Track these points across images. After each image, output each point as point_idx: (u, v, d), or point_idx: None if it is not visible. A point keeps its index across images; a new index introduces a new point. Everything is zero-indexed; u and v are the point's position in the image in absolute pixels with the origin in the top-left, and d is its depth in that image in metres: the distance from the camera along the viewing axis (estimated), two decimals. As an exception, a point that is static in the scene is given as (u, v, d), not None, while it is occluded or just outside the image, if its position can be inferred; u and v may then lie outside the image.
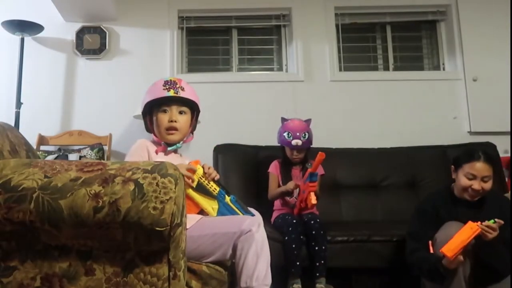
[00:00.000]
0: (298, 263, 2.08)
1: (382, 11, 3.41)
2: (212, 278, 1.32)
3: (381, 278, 2.33)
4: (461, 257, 1.64)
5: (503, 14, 3.19)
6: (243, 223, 1.38)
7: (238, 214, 1.55)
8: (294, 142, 2.40)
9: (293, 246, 2.09)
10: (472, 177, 1.82)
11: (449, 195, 1.93)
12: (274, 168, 2.52)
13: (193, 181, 1.50)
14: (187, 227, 1.33)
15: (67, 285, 1.02)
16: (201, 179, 1.54)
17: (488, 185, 1.83)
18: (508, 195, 2.46)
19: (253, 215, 1.53)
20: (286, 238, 2.11)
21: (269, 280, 1.37)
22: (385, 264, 2.18)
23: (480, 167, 1.82)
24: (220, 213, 1.54)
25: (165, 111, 1.64)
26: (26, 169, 1.02)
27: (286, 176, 2.47)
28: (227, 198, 1.56)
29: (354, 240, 2.21)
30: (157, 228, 0.97)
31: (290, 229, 2.13)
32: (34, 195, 0.97)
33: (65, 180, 0.99)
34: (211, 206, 1.54)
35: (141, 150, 1.60)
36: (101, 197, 0.97)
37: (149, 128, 1.71)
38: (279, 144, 2.55)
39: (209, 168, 1.57)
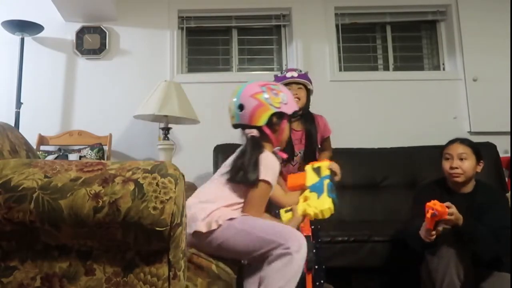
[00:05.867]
0: None
1: (382, 11, 3.41)
2: (219, 279, 1.29)
3: (381, 278, 2.34)
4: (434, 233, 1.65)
5: (503, 14, 3.19)
6: (288, 238, 1.29)
7: (323, 192, 1.54)
8: (289, 74, 2.09)
9: None
10: (449, 157, 1.91)
11: (444, 186, 1.98)
12: None
13: None
14: (233, 216, 1.37)
15: (67, 285, 1.02)
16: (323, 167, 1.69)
17: (466, 164, 1.86)
18: (508, 195, 2.46)
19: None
20: None
21: None
22: (385, 264, 2.18)
23: (454, 146, 1.92)
24: (313, 185, 1.60)
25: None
26: (26, 169, 1.01)
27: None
28: (326, 181, 1.60)
29: (354, 240, 2.21)
30: (157, 228, 0.97)
31: None
32: (34, 195, 0.97)
33: (65, 180, 0.99)
34: (312, 180, 1.62)
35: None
36: (101, 197, 0.97)
37: (266, 135, 1.60)
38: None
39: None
